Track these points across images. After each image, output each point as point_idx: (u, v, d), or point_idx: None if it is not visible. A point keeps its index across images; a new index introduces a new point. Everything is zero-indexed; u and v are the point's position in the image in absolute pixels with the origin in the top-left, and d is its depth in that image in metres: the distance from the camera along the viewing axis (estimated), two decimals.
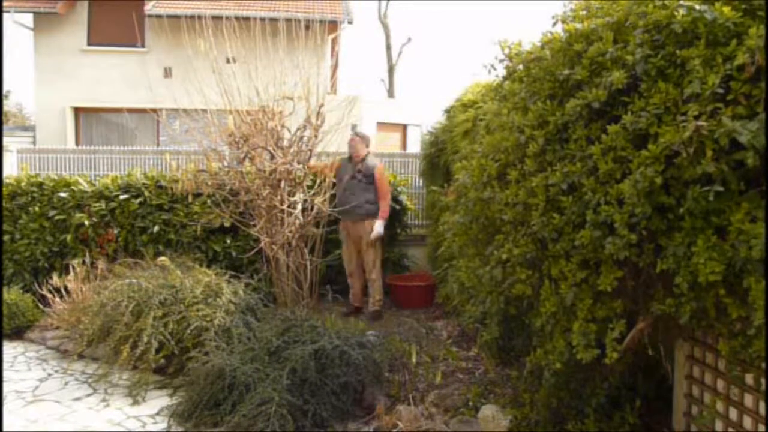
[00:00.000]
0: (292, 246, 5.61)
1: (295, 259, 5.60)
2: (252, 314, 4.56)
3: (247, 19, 6.17)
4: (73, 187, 6.52)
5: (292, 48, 5.86)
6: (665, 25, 2.13)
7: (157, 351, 4.23)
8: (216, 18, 5.86)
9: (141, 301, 4.46)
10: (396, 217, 7.18)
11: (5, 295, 5.50)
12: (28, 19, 13.14)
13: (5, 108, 23.87)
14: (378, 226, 5.69)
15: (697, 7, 2.05)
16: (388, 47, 26.72)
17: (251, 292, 5.07)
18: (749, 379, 2.26)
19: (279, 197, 5.46)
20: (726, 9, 1.99)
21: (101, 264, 5.71)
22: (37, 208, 6.45)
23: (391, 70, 26.80)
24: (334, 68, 12.09)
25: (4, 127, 17.40)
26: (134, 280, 4.68)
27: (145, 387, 4.14)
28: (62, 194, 6.46)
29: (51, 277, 5.72)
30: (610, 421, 2.79)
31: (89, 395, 4.13)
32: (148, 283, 4.63)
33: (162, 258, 5.19)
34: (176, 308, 4.42)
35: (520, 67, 2.88)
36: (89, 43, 13.32)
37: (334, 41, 12.73)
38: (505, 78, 3.05)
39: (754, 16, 2.01)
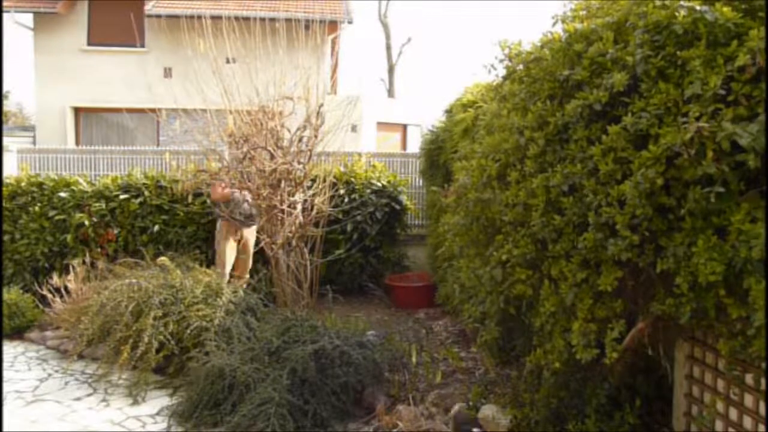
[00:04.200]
0: (292, 246, 5.61)
1: (295, 259, 5.60)
2: (252, 314, 4.56)
3: (247, 19, 6.17)
4: (73, 187, 6.52)
5: (292, 48, 5.86)
6: (665, 26, 2.13)
7: (158, 351, 4.23)
8: (216, 18, 5.86)
9: (141, 302, 4.46)
10: (396, 217, 7.19)
11: (5, 295, 5.50)
12: (28, 19, 13.13)
13: (5, 108, 23.86)
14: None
15: (698, 7, 2.05)
16: (388, 47, 26.72)
17: (251, 292, 5.08)
18: (749, 379, 2.26)
19: (279, 197, 5.46)
20: (726, 10, 1.99)
21: (101, 264, 5.71)
22: (37, 208, 6.45)
23: (391, 70, 26.80)
24: (334, 68, 12.09)
25: (4, 127, 17.39)
26: (134, 280, 4.68)
27: (145, 387, 4.14)
28: (62, 194, 6.46)
29: (51, 277, 5.71)
30: (610, 421, 2.79)
31: (89, 395, 4.13)
32: (148, 283, 4.63)
33: (162, 258, 5.19)
34: (176, 308, 4.42)
35: (520, 67, 2.88)
36: (89, 43, 13.31)
37: (334, 41, 12.73)
38: (505, 78, 3.05)
39: (754, 16, 2.01)
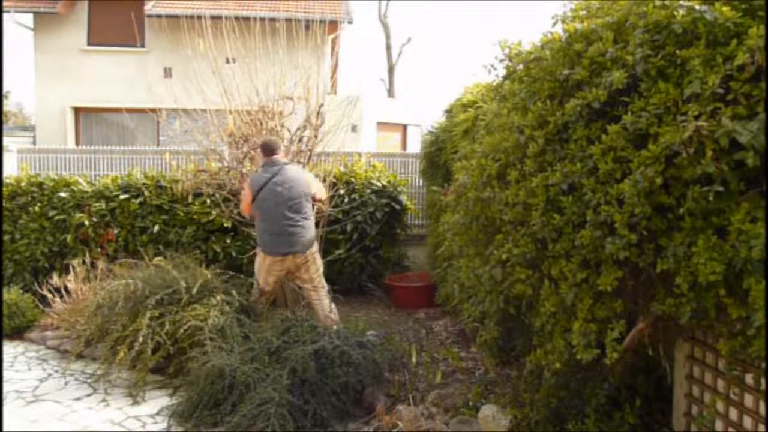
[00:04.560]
0: None
1: None
2: (246, 314, 4.55)
3: (247, 19, 6.17)
4: (73, 187, 6.52)
5: (292, 48, 5.87)
6: (665, 26, 2.13)
7: (154, 351, 4.22)
8: (216, 18, 5.87)
9: (138, 302, 4.45)
10: (396, 217, 7.19)
11: (5, 295, 5.50)
12: (28, 19, 13.14)
13: (5, 108, 23.88)
14: None
15: (697, 7, 2.05)
16: (388, 47, 26.75)
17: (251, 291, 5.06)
18: (749, 379, 2.26)
19: None
20: (726, 9, 1.99)
21: (101, 264, 5.71)
22: (37, 208, 6.45)
23: (391, 70, 26.82)
24: (334, 68, 12.09)
25: (4, 127, 17.40)
26: (131, 280, 4.67)
27: (145, 387, 4.14)
28: (62, 194, 6.46)
29: (51, 277, 5.71)
30: (610, 421, 2.79)
31: (89, 395, 4.13)
32: (146, 283, 4.62)
33: (158, 258, 5.18)
34: (173, 308, 4.41)
35: (520, 67, 2.88)
36: (89, 43, 13.32)
37: (334, 41, 12.73)
38: (505, 78, 3.05)
39: (754, 16, 2.01)
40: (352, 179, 6.93)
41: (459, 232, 3.11)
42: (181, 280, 4.62)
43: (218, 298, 4.51)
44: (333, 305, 4.87)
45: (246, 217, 5.27)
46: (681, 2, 2.11)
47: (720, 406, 2.45)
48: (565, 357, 2.51)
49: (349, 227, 6.67)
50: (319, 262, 4.88)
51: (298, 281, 4.88)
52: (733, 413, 2.40)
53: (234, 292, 4.68)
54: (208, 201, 6.26)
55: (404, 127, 17.43)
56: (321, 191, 4.93)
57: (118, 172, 7.74)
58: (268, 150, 4.76)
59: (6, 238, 6.42)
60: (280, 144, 4.98)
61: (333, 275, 6.65)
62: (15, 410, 3.86)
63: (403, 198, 7.25)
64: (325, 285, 4.88)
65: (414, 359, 4.39)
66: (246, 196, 4.80)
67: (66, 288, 5.50)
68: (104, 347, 4.39)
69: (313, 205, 4.88)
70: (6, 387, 4.21)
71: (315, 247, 4.86)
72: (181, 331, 4.22)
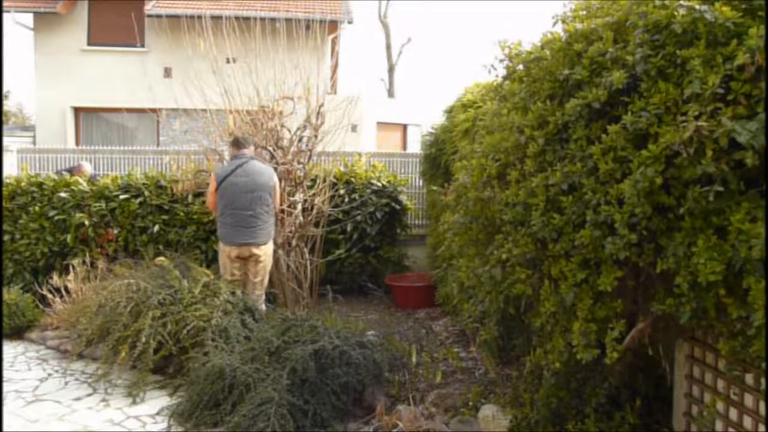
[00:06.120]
0: (292, 246, 5.62)
1: (295, 259, 5.61)
2: (249, 314, 4.55)
3: (247, 19, 6.18)
4: (73, 187, 6.52)
5: (292, 48, 5.87)
6: (665, 25, 2.13)
7: (156, 351, 4.22)
8: (216, 18, 5.87)
9: (140, 302, 4.45)
10: (396, 217, 7.19)
11: (5, 295, 5.50)
12: (28, 19, 13.13)
13: (5, 108, 23.88)
14: None
15: (697, 7, 2.05)
16: (388, 47, 26.75)
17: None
18: (749, 379, 2.26)
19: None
20: (726, 9, 1.99)
21: (101, 264, 5.71)
22: (37, 208, 6.45)
23: (391, 70, 26.82)
24: (334, 68, 12.10)
25: (4, 127, 17.40)
26: (133, 280, 4.67)
27: (145, 387, 4.14)
28: (62, 194, 6.46)
29: (51, 277, 5.71)
30: (610, 421, 2.79)
31: (89, 395, 4.13)
32: (147, 283, 4.62)
33: (160, 258, 5.18)
34: (175, 308, 4.41)
35: (520, 67, 2.88)
36: (89, 43, 13.32)
37: (334, 41, 12.74)
38: (505, 78, 3.05)
39: (754, 16, 2.01)
40: (352, 179, 6.94)
41: (459, 232, 3.11)
42: (183, 279, 4.63)
43: (221, 298, 4.52)
44: (264, 308, 5.04)
45: (211, 211, 5.38)
46: (681, 2, 2.11)
47: (720, 406, 2.45)
48: (565, 357, 2.51)
49: (349, 227, 6.67)
50: (270, 266, 5.11)
51: (250, 274, 5.02)
52: (733, 413, 2.40)
53: (238, 292, 4.69)
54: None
55: (404, 127, 17.43)
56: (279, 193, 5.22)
57: (118, 172, 7.75)
58: (239, 144, 5.01)
59: (6, 238, 6.42)
60: (251, 141, 5.20)
61: (333, 275, 6.66)
62: (15, 410, 3.86)
63: (403, 198, 7.25)
64: (265, 285, 5.14)
65: (414, 359, 4.39)
66: (211, 186, 5.03)
67: (66, 288, 5.50)
68: (105, 347, 4.39)
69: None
70: (6, 387, 4.21)
71: (271, 247, 5.06)
72: (185, 331, 4.22)
